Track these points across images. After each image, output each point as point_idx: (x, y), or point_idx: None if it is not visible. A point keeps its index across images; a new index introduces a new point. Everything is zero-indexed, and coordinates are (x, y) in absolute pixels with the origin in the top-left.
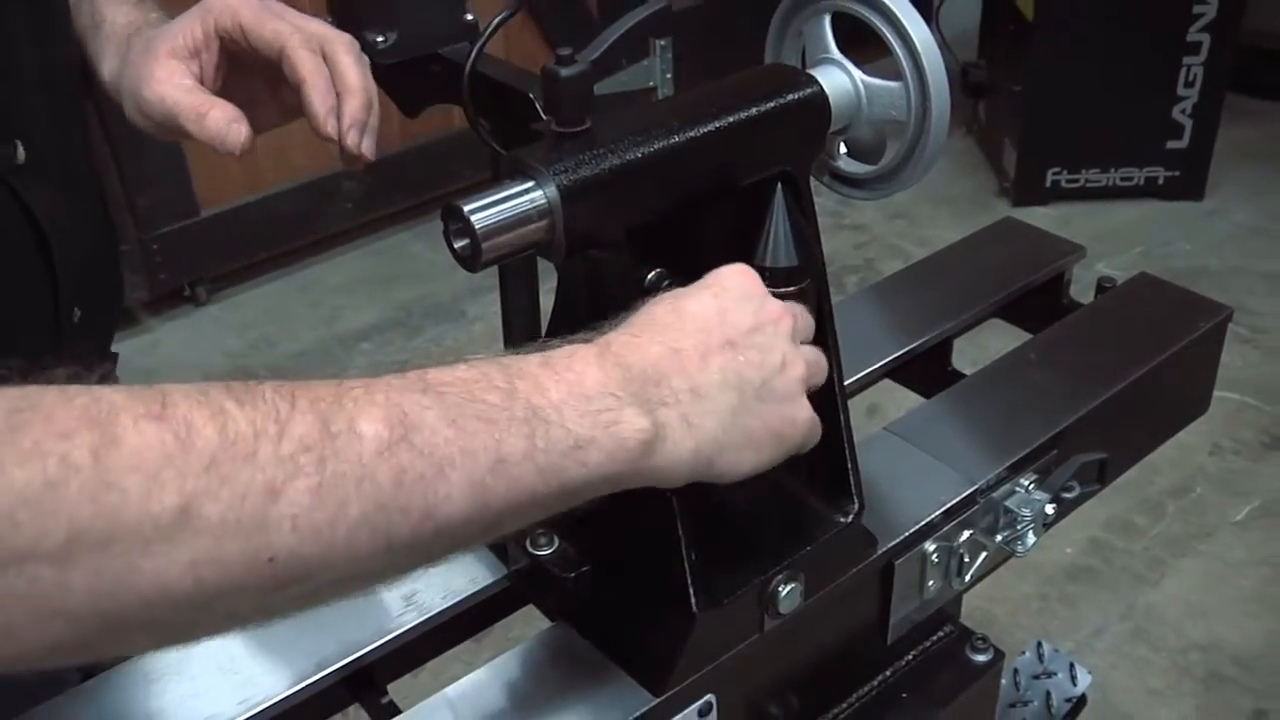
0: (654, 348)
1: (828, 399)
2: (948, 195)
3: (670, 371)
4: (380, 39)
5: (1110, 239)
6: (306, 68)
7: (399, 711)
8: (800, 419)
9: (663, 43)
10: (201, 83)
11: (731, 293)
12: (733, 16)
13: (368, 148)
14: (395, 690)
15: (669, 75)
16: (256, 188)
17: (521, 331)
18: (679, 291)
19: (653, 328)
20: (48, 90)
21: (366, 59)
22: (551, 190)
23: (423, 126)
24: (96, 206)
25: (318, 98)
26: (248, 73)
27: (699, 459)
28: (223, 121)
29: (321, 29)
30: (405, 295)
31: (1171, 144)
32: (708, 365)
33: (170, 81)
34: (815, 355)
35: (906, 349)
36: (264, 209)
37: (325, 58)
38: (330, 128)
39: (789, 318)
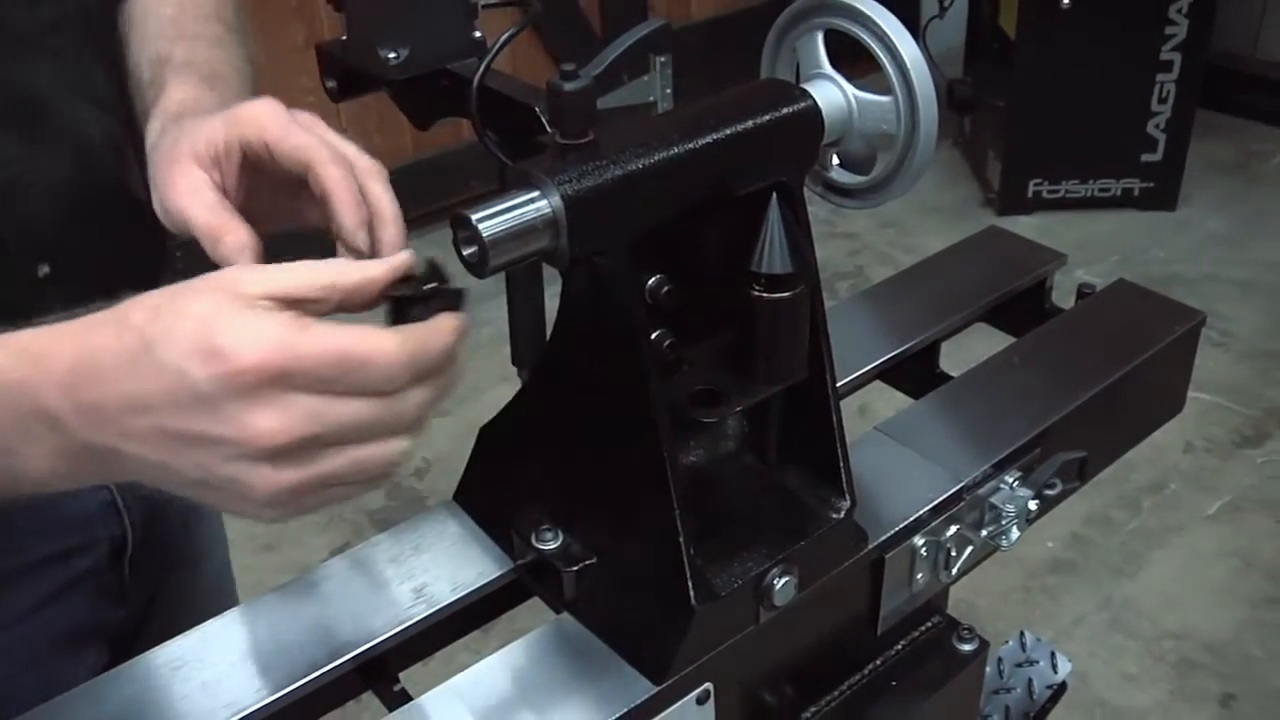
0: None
1: (820, 402)
2: (935, 205)
3: (95, 424)
4: (393, 55)
5: (1089, 247)
6: (334, 182)
7: (410, 699)
8: (261, 516)
9: (662, 59)
10: (224, 189)
11: (197, 373)
12: (728, 35)
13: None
14: (406, 677)
15: (668, 90)
16: None
17: (527, 335)
18: (159, 313)
19: (103, 362)
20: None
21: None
22: (556, 200)
23: (432, 139)
24: (85, 159)
25: (348, 214)
26: (270, 180)
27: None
28: (235, 249)
29: (348, 147)
30: None
31: (1146, 157)
32: (128, 441)
33: (192, 194)
34: (342, 463)
35: (896, 351)
36: None
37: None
38: (361, 242)
39: (263, 446)
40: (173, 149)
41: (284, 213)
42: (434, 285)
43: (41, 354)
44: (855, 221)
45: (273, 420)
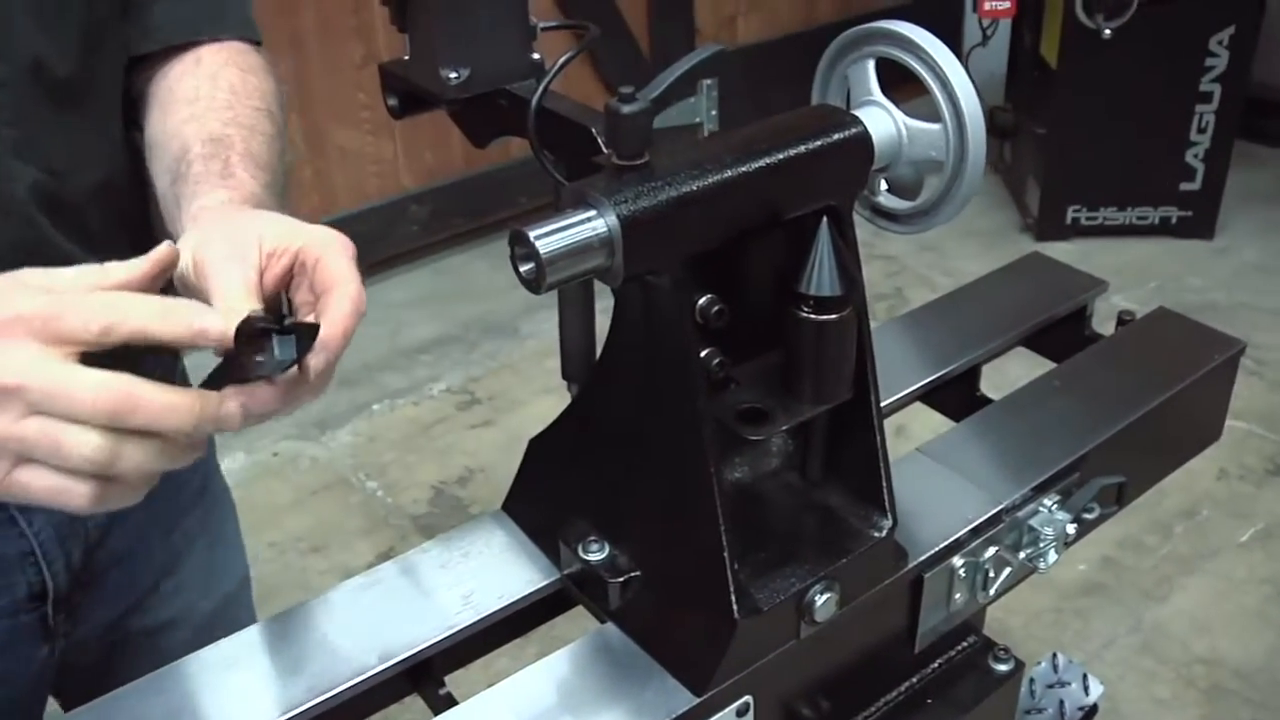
0: None
1: (865, 422)
2: (974, 230)
3: None
4: (454, 75)
5: (1126, 274)
6: (339, 310)
7: (456, 703)
8: None
9: (709, 82)
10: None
11: None
12: (771, 59)
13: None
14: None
15: (714, 112)
16: (330, 209)
17: (577, 349)
18: None
19: None
20: None
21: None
22: (612, 219)
23: (484, 156)
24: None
25: (325, 338)
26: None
27: None
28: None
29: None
30: (465, 313)
31: (1185, 186)
32: None
33: (237, 262)
34: (37, 431)
35: (939, 374)
36: (336, 229)
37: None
38: (314, 366)
39: None
40: (237, 223)
41: None
42: (293, 320)
43: None
44: (894, 244)
45: None
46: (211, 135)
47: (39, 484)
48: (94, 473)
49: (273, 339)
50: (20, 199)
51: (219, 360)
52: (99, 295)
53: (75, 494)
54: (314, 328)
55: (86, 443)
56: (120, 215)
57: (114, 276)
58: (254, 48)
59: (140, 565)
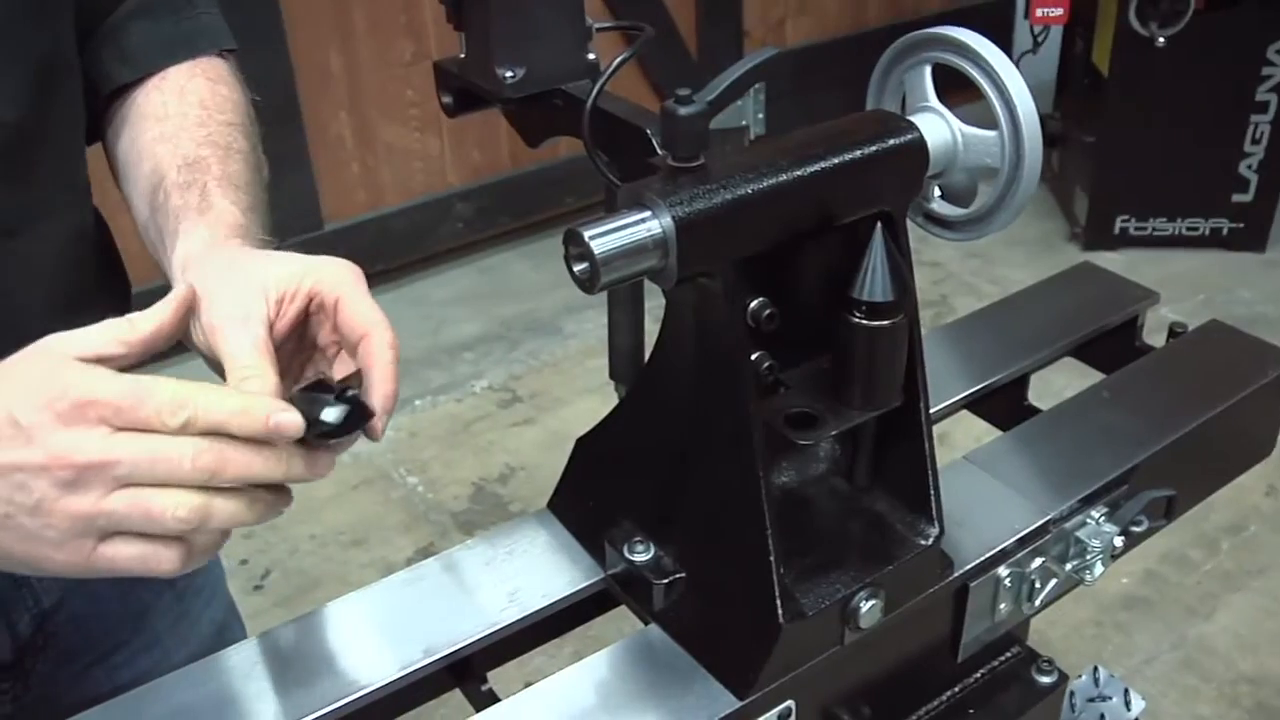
0: None
1: (913, 429)
2: (1021, 238)
3: None
4: (510, 74)
5: (1173, 285)
6: (382, 364)
7: (497, 699)
8: (54, 562)
9: (756, 85)
10: (272, 330)
11: (19, 407)
12: (818, 61)
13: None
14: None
15: (760, 115)
16: (377, 205)
17: (625, 350)
18: None
19: None
20: None
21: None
22: (667, 221)
23: (530, 154)
24: None
25: (379, 398)
26: (296, 339)
27: None
28: (259, 392)
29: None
30: (507, 311)
31: (1237, 197)
32: None
33: (240, 323)
34: (128, 503)
35: (987, 382)
36: (382, 225)
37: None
38: (381, 427)
39: (63, 467)
40: (237, 271)
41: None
42: (355, 392)
43: None
44: (941, 251)
45: (68, 442)
46: (186, 159)
47: (126, 554)
48: (185, 534)
49: (327, 410)
50: None
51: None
52: (174, 387)
53: (164, 559)
54: (368, 409)
55: (181, 504)
56: (95, 268)
57: (143, 330)
58: (222, 57)
59: (100, 625)
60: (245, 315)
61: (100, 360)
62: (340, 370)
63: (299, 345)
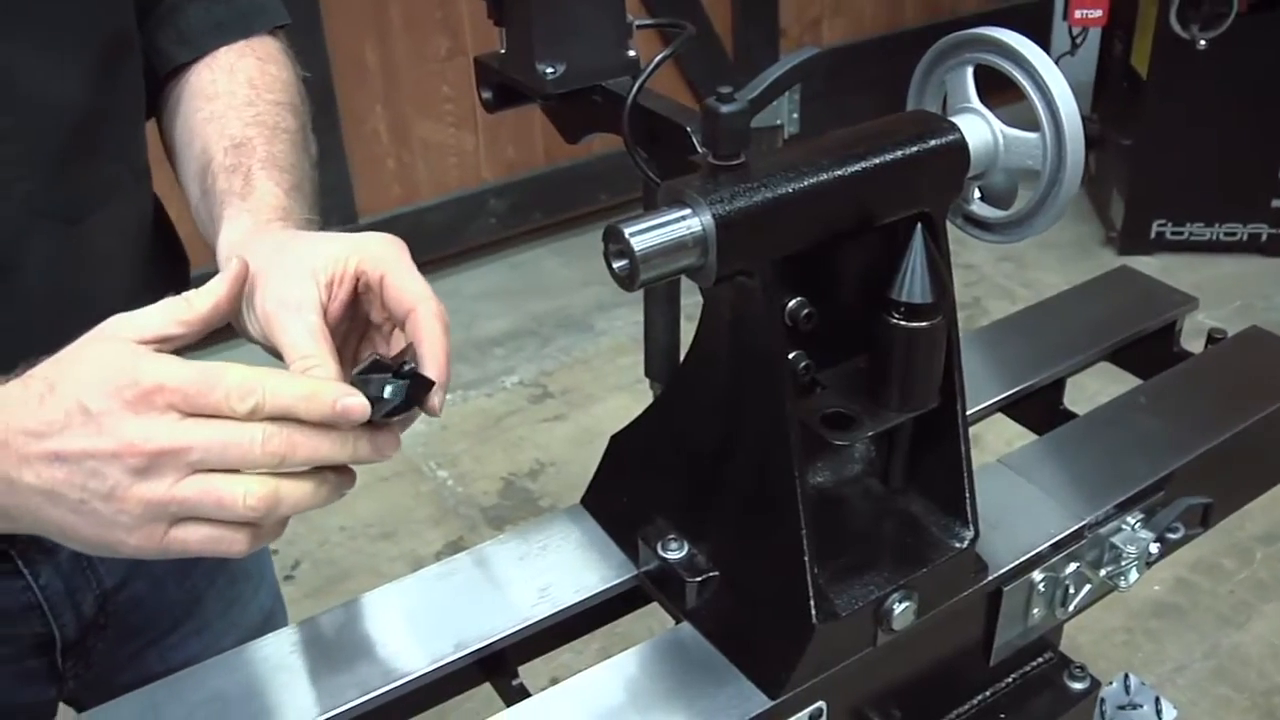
0: None
1: (950, 431)
2: (1054, 241)
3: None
4: (550, 70)
5: (1209, 291)
6: (432, 337)
7: (528, 694)
8: (127, 546)
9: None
10: (326, 313)
11: (88, 394)
12: (853, 61)
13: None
14: None
15: (795, 115)
16: (411, 200)
17: (661, 348)
18: (60, 363)
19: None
20: None
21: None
22: (707, 219)
23: (565, 151)
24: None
25: (431, 370)
26: (347, 320)
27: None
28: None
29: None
30: (539, 307)
31: (1276, 202)
32: (24, 467)
33: (295, 312)
34: (199, 490)
35: (1023, 385)
36: (416, 220)
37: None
38: (439, 401)
39: (135, 454)
40: (286, 256)
41: (344, 352)
42: (411, 366)
43: None
44: (974, 253)
45: (140, 431)
46: (233, 140)
47: (197, 537)
48: (255, 519)
49: (386, 388)
50: (40, 256)
51: None
52: (242, 372)
53: (234, 541)
54: (426, 380)
55: (251, 492)
56: (156, 254)
57: (200, 308)
58: (273, 34)
59: (158, 608)
60: (299, 303)
61: (162, 341)
62: (396, 345)
63: (353, 324)
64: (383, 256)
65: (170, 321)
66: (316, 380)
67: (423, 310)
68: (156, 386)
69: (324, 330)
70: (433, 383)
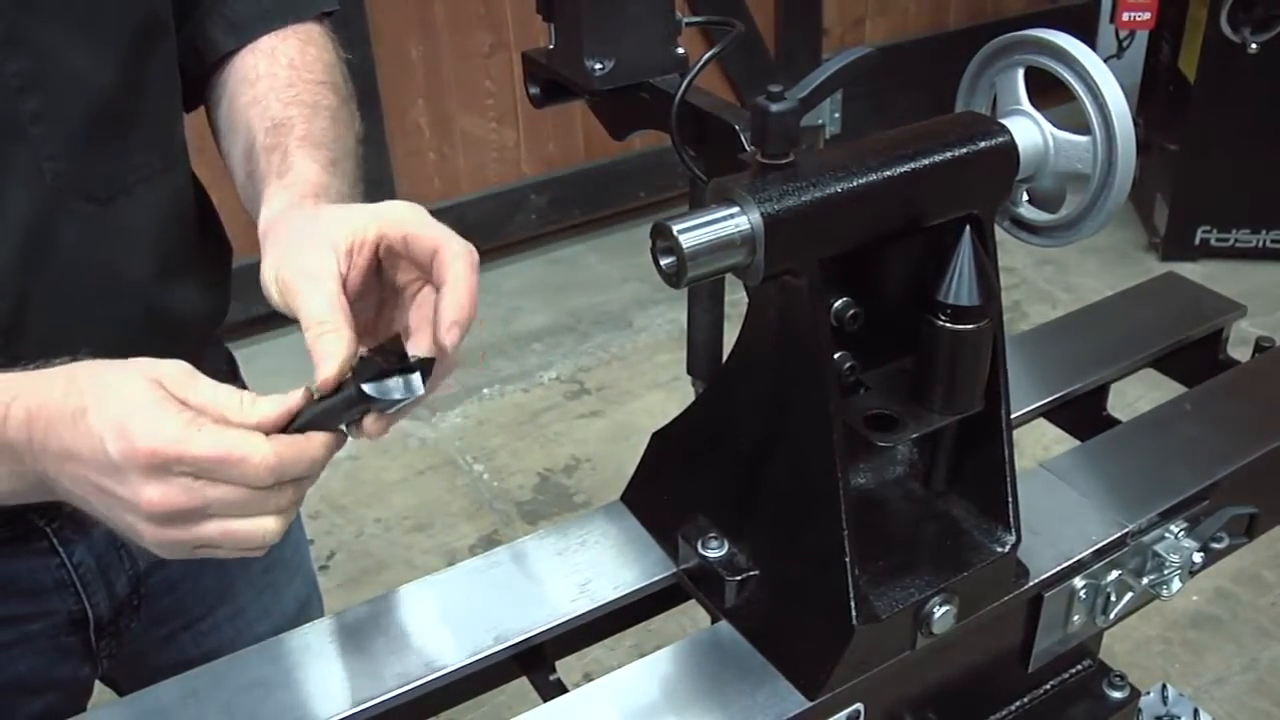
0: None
1: (993, 435)
2: (1096, 246)
3: (42, 458)
4: (599, 66)
5: (1255, 299)
6: (456, 276)
7: (565, 690)
8: (152, 552)
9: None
10: (345, 282)
11: (110, 438)
12: (894, 62)
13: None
14: None
15: (837, 115)
16: (451, 194)
17: (705, 346)
18: (98, 381)
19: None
20: None
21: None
22: (755, 217)
23: (605, 147)
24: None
25: (451, 309)
26: (374, 290)
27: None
28: (332, 345)
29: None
30: (577, 303)
31: None
32: (59, 472)
33: (313, 280)
34: (219, 533)
35: (1066, 391)
36: (456, 214)
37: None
38: (447, 339)
39: (153, 510)
40: (309, 228)
41: (368, 326)
42: (417, 357)
43: (10, 397)
44: (1014, 257)
45: (158, 493)
46: (273, 120)
47: (220, 549)
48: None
49: (366, 383)
50: (70, 235)
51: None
52: (262, 449)
53: (255, 548)
54: (429, 360)
55: (269, 531)
56: (193, 236)
57: (249, 417)
58: (318, 20)
59: (192, 592)
60: (317, 272)
61: (199, 411)
62: (422, 307)
63: (379, 293)
64: (403, 218)
65: (218, 409)
66: (323, 448)
67: (447, 248)
68: (176, 457)
69: (341, 298)
70: (433, 360)
